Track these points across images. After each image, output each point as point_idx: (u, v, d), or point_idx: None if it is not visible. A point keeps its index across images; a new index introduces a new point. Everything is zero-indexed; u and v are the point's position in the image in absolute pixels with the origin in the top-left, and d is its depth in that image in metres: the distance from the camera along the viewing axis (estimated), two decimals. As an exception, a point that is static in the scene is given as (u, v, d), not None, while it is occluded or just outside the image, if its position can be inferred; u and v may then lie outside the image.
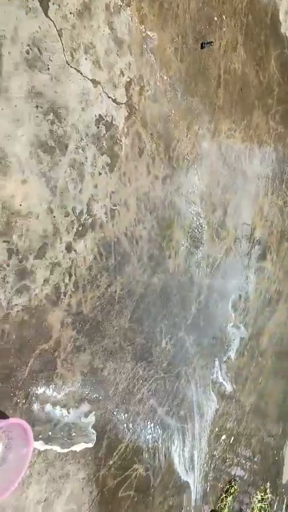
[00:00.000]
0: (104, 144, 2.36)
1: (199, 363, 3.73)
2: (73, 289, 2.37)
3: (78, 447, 2.56)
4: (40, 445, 2.32)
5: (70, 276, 2.33)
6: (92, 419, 2.63)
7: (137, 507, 3.23)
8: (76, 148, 2.19)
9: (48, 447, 2.36)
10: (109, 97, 2.33)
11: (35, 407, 2.24)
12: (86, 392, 2.56)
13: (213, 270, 3.64)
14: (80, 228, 2.32)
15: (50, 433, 2.35)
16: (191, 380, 3.65)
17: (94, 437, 2.66)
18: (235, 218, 3.82)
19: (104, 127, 2.33)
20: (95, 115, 2.27)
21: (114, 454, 2.87)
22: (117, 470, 2.94)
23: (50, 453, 2.39)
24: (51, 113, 2.03)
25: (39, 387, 2.25)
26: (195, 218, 3.26)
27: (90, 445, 2.64)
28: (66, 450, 2.48)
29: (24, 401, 2.17)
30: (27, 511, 2.31)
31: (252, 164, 3.86)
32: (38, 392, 2.25)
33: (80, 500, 2.67)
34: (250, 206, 4.03)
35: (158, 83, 2.67)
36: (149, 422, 3.19)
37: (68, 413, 2.46)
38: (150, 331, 3.06)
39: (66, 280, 2.31)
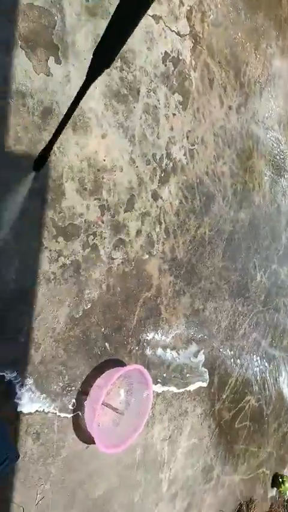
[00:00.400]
0: (174, 82, 2.27)
1: (296, 293, 3.66)
2: (165, 237, 2.38)
3: (193, 386, 2.66)
4: (158, 388, 2.43)
5: (160, 223, 2.34)
6: (201, 358, 2.70)
7: (253, 436, 3.34)
8: (148, 92, 2.13)
9: (165, 388, 2.48)
10: (172, 31, 2.21)
11: (148, 352, 2.33)
12: (192, 333, 2.62)
13: (299, 196, 3.48)
14: (162, 175, 2.30)
15: (164, 375, 2.46)
16: (289, 310, 3.61)
17: (207, 375, 2.74)
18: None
19: (171, 63, 2.23)
20: (161, 53, 2.17)
21: (226, 388, 2.96)
22: (231, 403, 3.04)
23: (167, 394, 2.50)
24: (119, 60, 1.97)
25: (148, 333, 2.33)
26: (275, 144, 3.09)
27: (205, 384, 2.73)
28: (181, 390, 2.59)
29: (137, 348, 2.27)
30: (155, 448, 2.47)
31: None
32: (148, 338, 2.33)
33: (201, 434, 2.80)
34: None
35: (219, 6, 2.49)
36: (254, 355, 3.23)
37: (178, 354, 2.54)
38: (244, 267, 3.03)
39: (157, 229, 2.32)
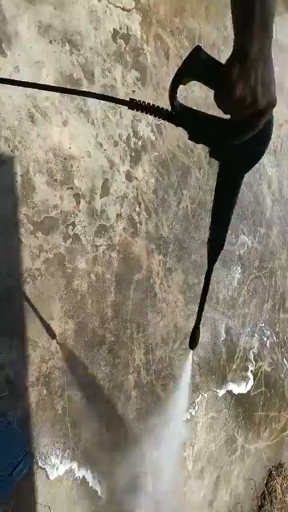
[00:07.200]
0: (128, 58, 2.22)
1: (290, 253, 3.64)
2: (147, 216, 2.34)
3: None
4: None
5: (139, 204, 2.30)
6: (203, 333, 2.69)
7: (272, 400, 3.34)
8: (102, 72, 2.09)
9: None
10: (117, 7, 2.16)
11: (150, 332, 2.31)
12: (191, 308, 2.60)
13: (277, 156, 3.45)
14: (133, 154, 2.26)
15: (170, 355, 2.44)
16: (286, 271, 3.59)
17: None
18: (283, 95, 3.54)
19: (122, 40, 2.19)
20: (110, 31, 2.13)
21: (235, 357, 2.94)
22: (243, 371, 3.03)
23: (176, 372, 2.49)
24: (67, 44, 1.93)
25: (147, 315, 2.31)
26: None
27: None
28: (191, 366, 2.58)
29: (137, 331, 2.25)
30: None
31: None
32: (148, 319, 2.31)
33: (218, 407, 2.79)
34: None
35: (160, -26, 2.44)
36: (258, 321, 3.21)
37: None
38: (233, 235, 3.00)
39: (138, 209, 2.29)
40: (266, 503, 3.29)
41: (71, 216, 1.94)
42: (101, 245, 2.08)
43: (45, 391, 1.80)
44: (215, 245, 1.14)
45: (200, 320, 1.36)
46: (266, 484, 3.39)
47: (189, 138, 0.84)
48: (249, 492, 3.17)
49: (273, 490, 3.39)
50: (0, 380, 1.64)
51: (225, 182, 0.97)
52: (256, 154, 0.86)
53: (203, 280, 1.23)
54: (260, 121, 0.76)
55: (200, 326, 1.41)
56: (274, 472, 3.42)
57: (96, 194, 2.06)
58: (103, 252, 2.10)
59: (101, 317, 2.07)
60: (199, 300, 1.28)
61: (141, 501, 2.21)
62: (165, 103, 2.31)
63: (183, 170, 2.58)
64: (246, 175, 0.95)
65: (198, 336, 1.45)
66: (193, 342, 1.46)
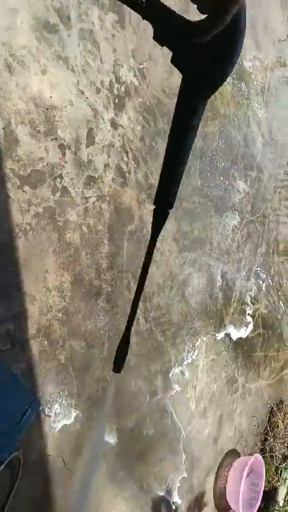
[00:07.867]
0: (105, 0, 2.13)
1: (283, 196, 3.63)
2: (135, 165, 2.32)
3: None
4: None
5: (127, 153, 2.27)
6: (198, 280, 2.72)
7: (270, 341, 3.42)
8: (79, 16, 2.00)
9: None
10: None
11: (145, 282, 2.33)
12: (186, 256, 2.61)
13: (265, 96, 3.37)
14: (116, 101, 2.21)
15: (168, 301, 2.47)
16: (279, 214, 3.59)
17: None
18: (268, 35, 3.42)
19: (96, -21, 2.09)
20: None
21: (232, 301, 2.99)
22: (239, 314, 3.08)
23: (173, 319, 2.54)
24: (39, -14, 1.84)
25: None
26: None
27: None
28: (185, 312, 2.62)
29: (133, 281, 2.27)
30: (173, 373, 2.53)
31: None
32: (143, 269, 2.33)
33: (217, 349, 2.86)
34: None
35: None
36: (253, 265, 3.24)
37: (176, 278, 2.55)
38: (224, 181, 2.98)
39: (125, 158, 2.26)
40: (269, 438, 3.44)
41: (57, 168, 1.91)
42: (90, 197, 2.07)
43: (46, 342, 1.84)
44: (161, 204, 0.91)
45: (131, 327, 1.11)
46: (269, 420, 3.53)
47: (153, 37, 0.74)
48: (252, 429, 3.31)
49: (276, 426, 3.53)
50: (1, 334, 1.67)
51: (183, 103, 0.77)
52: (222, 66, 0.69)
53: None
54: (224, 14, 0.65)
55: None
56: (275, 409, 3.55)
57: (81, 144, 2.03)
58: (93, 203, 2.08)
59: (96, 269, 2.08)
60: (131, 304, 1.07)
61: (149, 441, 2.30)
62: (148, 46, 2.23)
63: (170, 116, 2.51)
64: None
65: (126, 352, 1.15)
66: (119, 360, 1.18)
